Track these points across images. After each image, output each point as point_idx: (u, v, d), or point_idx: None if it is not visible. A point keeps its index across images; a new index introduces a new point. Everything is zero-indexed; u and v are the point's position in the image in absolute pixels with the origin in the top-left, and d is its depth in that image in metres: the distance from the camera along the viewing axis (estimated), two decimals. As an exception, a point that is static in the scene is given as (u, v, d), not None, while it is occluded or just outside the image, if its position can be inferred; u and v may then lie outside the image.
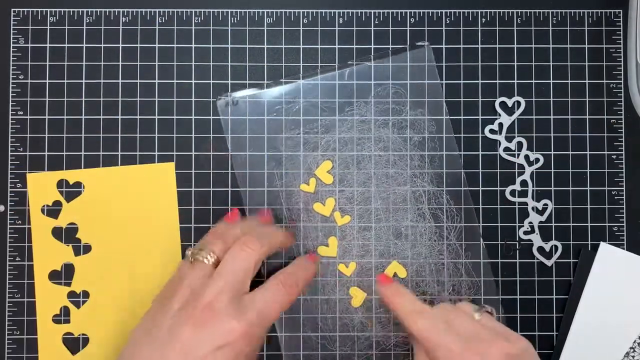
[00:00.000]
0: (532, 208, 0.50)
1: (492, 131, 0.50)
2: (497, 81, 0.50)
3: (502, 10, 0.51)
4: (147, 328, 0.40)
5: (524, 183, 0.50)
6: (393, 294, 0.45)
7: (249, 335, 0.39)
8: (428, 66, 0.50)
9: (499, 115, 0.50)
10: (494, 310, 0.44)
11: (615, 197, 0.50)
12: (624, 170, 0.50)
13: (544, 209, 0.50)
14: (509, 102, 0.50)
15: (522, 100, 0.50)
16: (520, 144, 0.50)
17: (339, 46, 0.51)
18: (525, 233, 0.50)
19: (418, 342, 0.42)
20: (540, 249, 0.50)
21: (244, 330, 0.39)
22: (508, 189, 0.50)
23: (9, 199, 0.50)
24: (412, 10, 0.51)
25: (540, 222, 0.50)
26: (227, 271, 0.41)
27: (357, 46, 0.51)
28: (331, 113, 0.50)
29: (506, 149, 0.50)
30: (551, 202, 0.50)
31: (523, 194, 0.50)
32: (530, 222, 0.50)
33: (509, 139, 0.50)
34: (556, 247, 0.50)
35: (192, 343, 0.38)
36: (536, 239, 0.50)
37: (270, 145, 0.50)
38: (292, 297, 0.42)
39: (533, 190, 0.50)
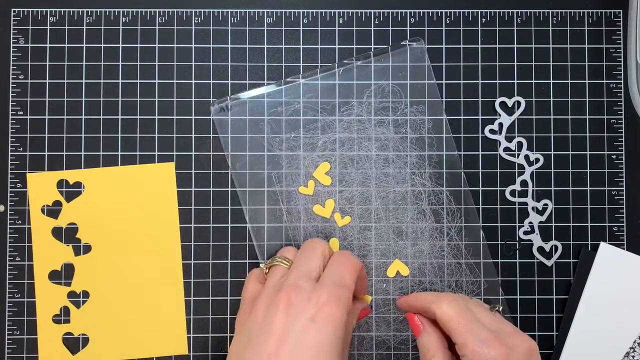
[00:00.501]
0: (532, 208, 0.50)
1: (492, 131, 0.50)
2: (497, 81, 0.50)
3: (502, 10, 0.51)
4: (242, 331, 0.40)
5: (524, 183, 0.50)
6: (414, 296, 0.45)
7: (336, 298, 0.39)
8: (423, 65, 0.50)
9: (499, 115, 0.50)
10: (503, 309, 0.44)
11: (615, 197, 0.50)
12: (624, 170, 0.50)
13: (544, 209, 0.50)
14: (509, 102, 0.50)
15: (522, 100, 0.50)
16: (520, 144, 0.50)
17: (339, 46, 0.51)
18: (525, 233, 0.50)
19: (434, 332, 0.43)
20: (540, 249, 0.50)
21: (330, 294, 0.38)
22: (508, 189, 0.50)
23: (9, 199, 0.50)
24: (412, 10, 0.51)
25: (540, 222, 0.50)
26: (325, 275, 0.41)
27: (357, 46, 0.51)
28: (330, 113, 0.50)
29: (506, 149, 0.50)
30: (551, 202, 0.50)
31: (523, 194, 0.50)
32: (530, 222, 0.50)
33: (509, 139, 0.50)
34: (556, 247, 0.50)
35: (287, 321, 0.38)
36: (536, 239, 0.50)
37: (268, 146, 0.50)
38: (353, 260, 0.42)
39: (533, 190, 0.50)
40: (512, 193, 0.50)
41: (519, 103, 0.50)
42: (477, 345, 0.39)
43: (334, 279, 0.40)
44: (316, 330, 0.37)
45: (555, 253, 0.50)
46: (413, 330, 0.44)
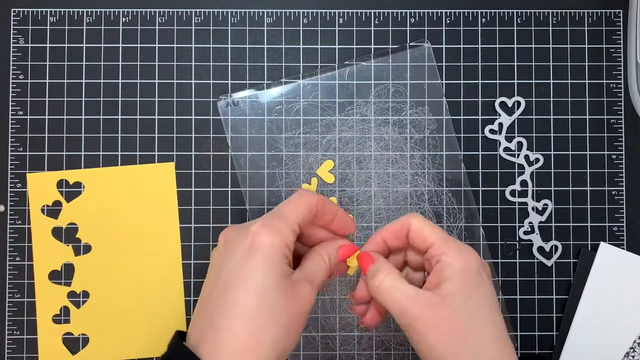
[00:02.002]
0: (532, 208, 0.50)
1: (492, 131, 0.50)
2: (497, 81, 0.50)
3: (502, 10, 0.51)
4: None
5: (524, 183, 0.50)
6: (377, 232, 0.44)
7: (266, 226, 0.38)
8: (428, 66, 0.50)
9: (499, 115, 0.50)
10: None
11: (615, 197, 0.50)
12: (624, 170, 0.50)
13: (544, 209, 0.50)
14: (509, 102, 0.50)
15: (522, 100, 0.50)
16: (520, 144, 0.50)
17: (339, 46, 0.51)
18: (525, 233, 0.50)
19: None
20: (540, 249, 0.50)
21: (261, 224, 0.38)
22: (508, 189, 0.50)
23: (9, 199, 0.50)
24: (412, 10, 0.51)
25: (540, 222, 0.50)
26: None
27: (357, 46, 0.51)
28: (331, 113, 0.50)
29: (506, 149, 0.50)
30: (551, 202, 0.50)
31: (523, 194, 0.50)
32: (530, 222, 0.50)
33: (509, 139, 0.50)
34: (556, 247, 0.50)
35: (225, 255, 0.38)
36: (536, 239, 0.50)
37: (270, 146, 0.50)
38: (305, 196, 0.41)
39: (533, 190, 0.50)
40: (512, 193, 0.50)
41: (518, 103, 0.50)
42: (453, 245, 0.39)
43: (272, 211, 0.40)
44: (246, 259, 0.37)
45: (555, 253, 0.50)
46: (362, 266, 0.42)
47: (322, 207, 0.41)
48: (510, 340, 0.39)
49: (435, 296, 0.38)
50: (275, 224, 0.38)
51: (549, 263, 0.50)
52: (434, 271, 0.39)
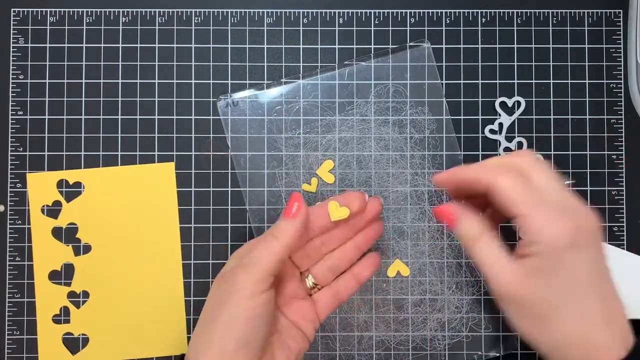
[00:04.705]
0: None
1: (492, 131, 0.50)
2: (497, 81, 0.50)
3: (502, 10, 0.51)
4: None
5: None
6: (452, 171, 0.41)
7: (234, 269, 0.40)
8: (428, 66, 0.50)
9: (499, 115, 0.50)
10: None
11: (615, 197, 0.50)
12: (624, 170, 0.50)
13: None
14: (509, 102, 0.50)
15: (522, 100, 0.50)
16: (520, 144, 0.50)
17: (339, 46, 0.51)
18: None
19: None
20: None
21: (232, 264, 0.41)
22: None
23: (9, 199, 0.50)
24: (412, 10, 0.51)
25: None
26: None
27: (357, 46, 0.51)
28: (331, 113, 0.50)
29: (506, 149, 0.50)
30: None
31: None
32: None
33: (509, 139, 0.50)
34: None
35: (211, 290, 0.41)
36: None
37: (270, 146, 0.50)
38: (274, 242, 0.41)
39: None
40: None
41: (519, 103, 0.50)
42: (540, 218, 0.35)
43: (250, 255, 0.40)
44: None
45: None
46: (446, 223, 0.40)
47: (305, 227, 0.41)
48: (617, 316, 0.36)
49: (522, 268, 0.36)
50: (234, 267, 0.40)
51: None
52: (522, 241, 0.36)
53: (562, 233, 0.35)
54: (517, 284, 0.36)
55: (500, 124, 0.50)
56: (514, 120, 0.50)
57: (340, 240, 0.44)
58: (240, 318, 0.38)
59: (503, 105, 0.50)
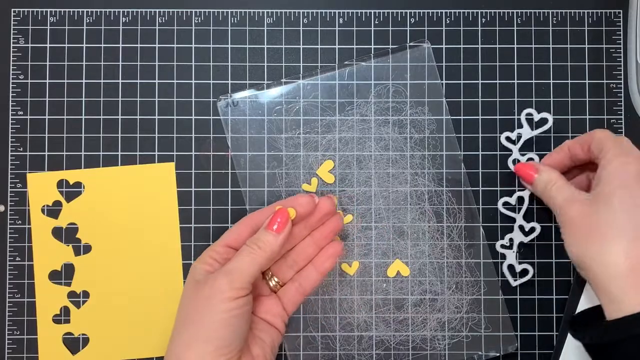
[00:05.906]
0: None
1: (508, 139, 0.49)
2: (497, 81, 0.50)
3: (502, 10, 0.51)
4: None
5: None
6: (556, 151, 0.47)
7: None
8: (428, 66, 0.50)
9: (522, 126, 0.49)
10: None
11: (615, 197, 0.50)
12: (623, 170, 0.50)
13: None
14: (536, 117, 0.48)
15: (550, 118, 0.48)
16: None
17: (339, 46, 0.51)
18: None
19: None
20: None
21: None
22: (505, 198, 0.50)
23: (9, 199, 0.50)
24: (412, 10, 0.51)
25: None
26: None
27: (357, 46, 0.51)
28: (331, 113, 0.50)
29: (515, 161, 0.49)
30: (551, 202, 0.50)
31: (522, 199, 0.50)
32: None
33: (522, 150, 0.49)
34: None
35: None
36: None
37: (270, 146, 0.50)
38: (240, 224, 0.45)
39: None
40: (512, 193, 0.50)
41: (545, 120, 0.48)
42: (619, 157, 0.40)
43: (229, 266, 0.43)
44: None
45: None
46: (526, 177, 0.46)
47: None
48: None
49: (594, 196, 0.41)
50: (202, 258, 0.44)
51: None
52: (594, 181, 0.42)
53: (634, 169, 0.40)
54: (587, 206, 0.41)
55: (519, 135, 0.49)
56: (533, 136, 0.49)
57: (297, 239, 0.46)
58: (221, 321, 0.40)
59: (528, 116, 0.49)
